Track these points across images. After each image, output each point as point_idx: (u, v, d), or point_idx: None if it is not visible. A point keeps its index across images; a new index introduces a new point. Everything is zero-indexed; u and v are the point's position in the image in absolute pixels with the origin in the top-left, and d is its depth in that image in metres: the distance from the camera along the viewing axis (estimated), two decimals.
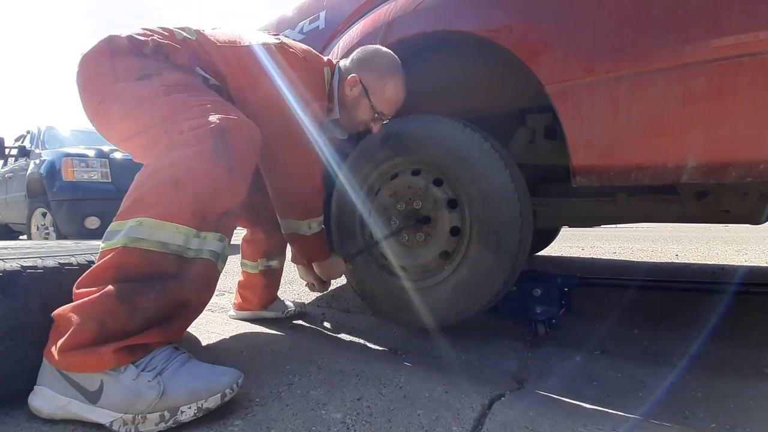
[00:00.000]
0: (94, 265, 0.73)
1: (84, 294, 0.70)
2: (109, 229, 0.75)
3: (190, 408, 0.68)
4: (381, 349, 1.18)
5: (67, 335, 0.67)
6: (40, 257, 0.79)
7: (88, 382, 0.68)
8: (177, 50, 0.93)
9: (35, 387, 0.71)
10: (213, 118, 0.80)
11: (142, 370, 0.69)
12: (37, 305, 0.74)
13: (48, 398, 0.69)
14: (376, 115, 1.14)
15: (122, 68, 0.88)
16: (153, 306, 0.72)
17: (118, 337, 0.69)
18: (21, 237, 4.95)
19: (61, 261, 0.80)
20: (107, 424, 0.67)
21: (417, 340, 1.22)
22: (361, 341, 1.25)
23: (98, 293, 0.69)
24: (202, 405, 0.69)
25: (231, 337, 1.17)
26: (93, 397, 0.68)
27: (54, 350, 0.68)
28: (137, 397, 0.67)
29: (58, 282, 0.77)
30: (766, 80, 0.73)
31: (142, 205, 0.74)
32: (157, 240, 0.73)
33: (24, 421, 0.70)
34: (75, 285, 0.72)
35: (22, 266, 0.74)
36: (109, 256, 0.72)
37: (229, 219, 0.82)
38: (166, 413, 0.67)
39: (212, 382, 0.71)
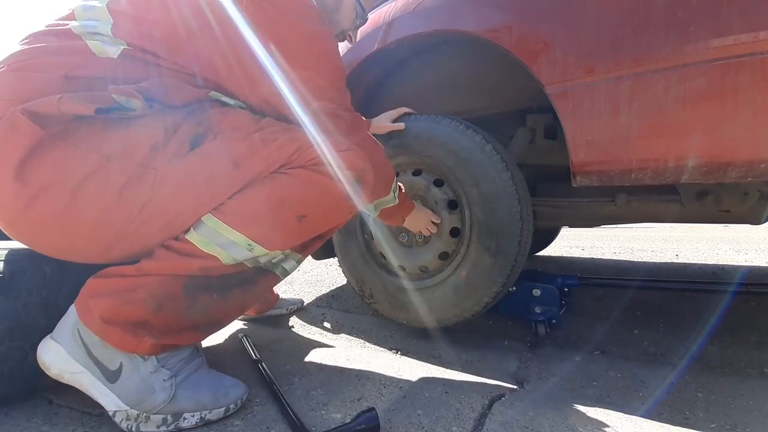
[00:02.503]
0: (178, 252, 0.67)
1: (153, 267, 0.66)
2: (217, 228, 0.68)
3: (193, 416, 0.68)
4: (381, 349, 1.18)
5: (121, 302, 0.64)
6: (40, 257, 0.79)
7: (108, 359, 0.66)
8: (167, 86, 0.69)
9: (50, 340, 0.67)
10: (352, 156, 0.74)
11: (162, 366, 0.69)
12: (38, 305, 0.74)
13: (62, 359, 0.66)
14: (358, 19, 0.98)
15: (139, 156, 0.64)
16: (209, 305, 0.71)
17: (163, 325, 0.67)
18: None
19: (62, 262, 0.80)
20: (110, 412, 0.66)
21: (417, 340, 1.22)
22: (361, 341, 1.25)
23: (169, 275, 0.67)
24: (205, 416, 0.69)
25: (231, 337, 1.17)
26: (112, 377, 0.66)
27: (96, 311, 0.64)
28: (149, 395, 0.66)
29: (58, 282, 0.77)
30: (766, 80, 0.73)
31: (260, 228, 0.70)
32: (255, 259, 0.73)
33: (24, 421, 0.70)
34: (156, 251, 0.67)
35: (22, 266, 0.74)
36: (203, 257, 0.68)
37: (317, 242, 0.82)
38: (169, 417, 0.67)
39: (220, 395, 0.72)
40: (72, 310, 0.67)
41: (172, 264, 0.67)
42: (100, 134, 0.64)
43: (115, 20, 0.69)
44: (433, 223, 1.14)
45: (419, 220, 1.11)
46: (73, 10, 0.72)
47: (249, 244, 0.69)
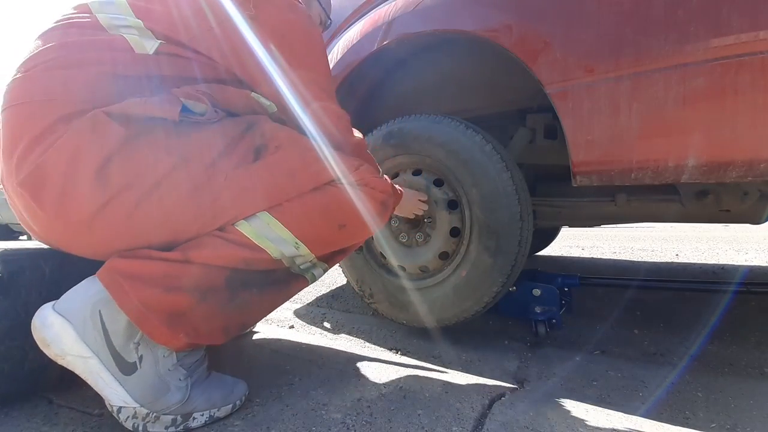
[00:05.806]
0: (227, 240, 0.67)
1: (200, 255, 0.64)
2: (269, 224, 0.70)
3: (202, 415, 0.68)
4: (381, 349, 1.18)
5: (165, 289, 0.62)
6: (39, 256, 0.79)
7: (127, 349, 0.62)
8: (225, 93, 0.72)
9: (54, 314, 0.59)
10: (385, 183, 0.84)
11: (180, 365, 0.68)
12: (37, 305, 0.73)
13: (69, 339, 0.59)
14: (321, 25, 1.03)
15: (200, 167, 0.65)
16: (247, 302, 0.72)
17: (200, 319, 0.66)
18: (21, 237, 4.95)
19: (62, 261, 0.80)
20: (114, 407, 0.62)
21: (417, 340, 1.22)
22: (362, 341, 1.25)
23: (214, 265, 0.66)
24: (213, 414, 0.69)
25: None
26: (126, 369, 0.62)
27: (135, 295, 0.60)
28: (163, 394, 0.64)
29: (58, 281, 0.77)
30: (766, 80, 0.73)
31: (307, 230, 0.75)
32: (293, 260, 0.76)
33: (24, 421, 0.70)
34: (203, 239, 0.66)
35: (21, 266, 0.74)
36: (252, 250, 0.69)
37: (340, 256, 0.88)
38: (179, 418, 0.66)
39: (227, 393, 0.72)
40: (93, 287, 0.62)
41: (219, 253, 0.66)
42: (174, 136, 0.65)
43: (137, 15, 0.68)
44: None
45: (408, 204, 1.11)
46: (87, 4, 0.69)
47: (296, 243, 0.73)
